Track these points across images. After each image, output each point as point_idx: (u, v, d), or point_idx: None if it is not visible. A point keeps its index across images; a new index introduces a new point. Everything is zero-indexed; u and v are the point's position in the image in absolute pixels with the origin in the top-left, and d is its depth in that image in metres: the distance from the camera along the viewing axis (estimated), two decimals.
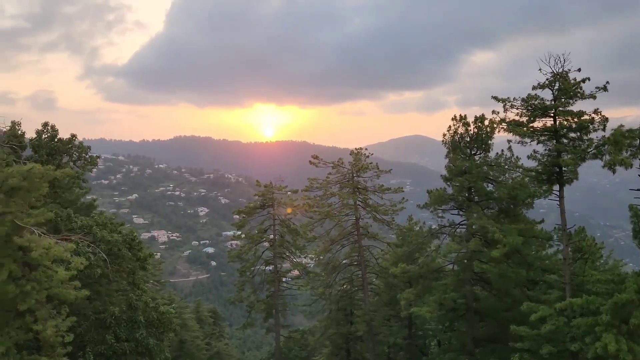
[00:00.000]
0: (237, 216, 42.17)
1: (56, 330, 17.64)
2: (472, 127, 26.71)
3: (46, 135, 28.67)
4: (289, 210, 40.30)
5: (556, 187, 22.85)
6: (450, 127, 27.16)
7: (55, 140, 28.70)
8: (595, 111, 21.71)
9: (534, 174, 23.00)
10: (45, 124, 28.87)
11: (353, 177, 39.06)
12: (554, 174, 22.64)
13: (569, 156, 21.61)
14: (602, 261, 27.93)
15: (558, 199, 22.78)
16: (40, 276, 17.81)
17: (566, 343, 21.29)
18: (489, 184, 27.11)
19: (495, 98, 23.02)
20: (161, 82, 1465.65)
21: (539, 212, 28.38)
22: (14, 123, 26.61)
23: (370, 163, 39.09)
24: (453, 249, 26.67)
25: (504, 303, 27.19)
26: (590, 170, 31.23)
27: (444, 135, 27.38)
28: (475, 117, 26.74)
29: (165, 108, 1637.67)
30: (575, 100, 22.11)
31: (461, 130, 26.94)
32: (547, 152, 22.76)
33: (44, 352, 18.11)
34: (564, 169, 22.31)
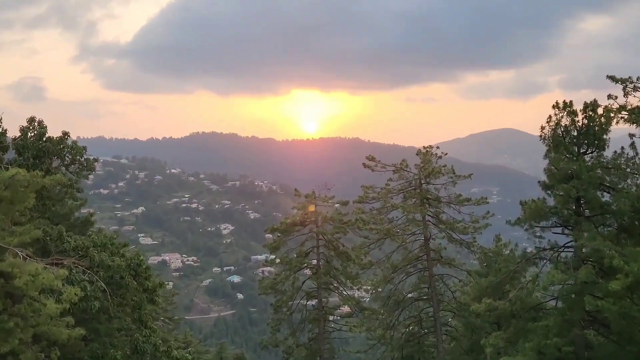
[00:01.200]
0: (271, 235, 42.55)
1: None
2: (580, 117, 26.17)
3: (32, 134, 29.72)
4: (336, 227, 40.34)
5: None
6: (550, 117, 26.70)
7: (44, 139, 29.70)
8: None
9: None
10: (32, 120, 29.93)
11: (421, 184, 38.87)
12: None
13: None
14: None
15: None
16: (26, 310, 18.43)
17: None
18: (605, 193, 26.46)
19: (612, 78, 22.48)
20: (174, 65, 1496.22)
21: None
22: None
23: (443, 166, 38.85)
24: (556, 280, 26.05)
25: (627, 352, 26.41)
26: None
27: (543, 128, 26.95)
28: (585, 103, 26.17)
29: (178, 97, 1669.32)
30: None
31: (566, 121, 26.44)
32: None
33: None
34: None
